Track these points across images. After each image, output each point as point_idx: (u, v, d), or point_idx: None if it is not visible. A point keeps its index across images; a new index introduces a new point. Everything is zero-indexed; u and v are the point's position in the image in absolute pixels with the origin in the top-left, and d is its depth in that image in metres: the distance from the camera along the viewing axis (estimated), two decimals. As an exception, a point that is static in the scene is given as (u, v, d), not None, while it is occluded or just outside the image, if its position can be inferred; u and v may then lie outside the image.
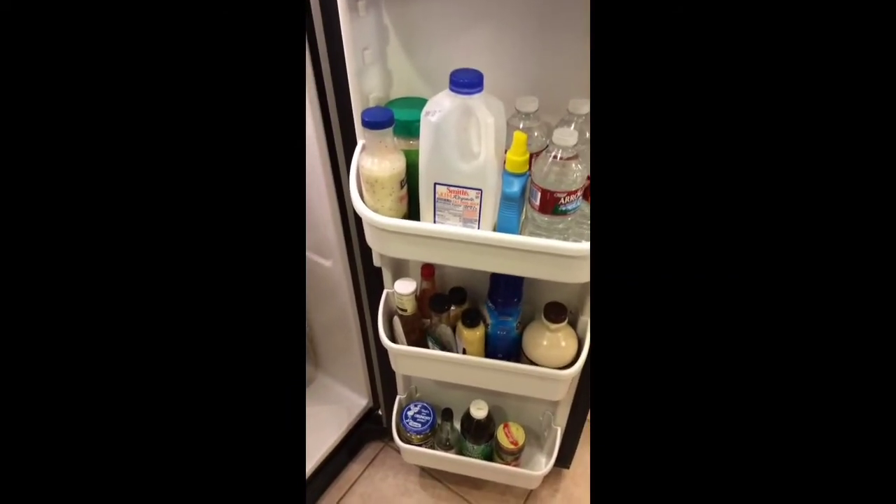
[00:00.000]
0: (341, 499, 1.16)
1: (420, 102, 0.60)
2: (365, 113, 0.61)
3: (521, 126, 0.63)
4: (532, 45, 0.62)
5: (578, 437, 1.05)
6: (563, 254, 0.59)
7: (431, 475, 1.19)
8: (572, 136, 0.56)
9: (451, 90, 0.54)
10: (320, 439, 1.12)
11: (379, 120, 0.60)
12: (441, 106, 0.55)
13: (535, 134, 0.63)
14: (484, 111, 0.55)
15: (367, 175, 0.62)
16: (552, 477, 1.17)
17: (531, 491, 1.16)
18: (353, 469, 1.20)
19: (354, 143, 0.68)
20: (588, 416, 1.02)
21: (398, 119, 0.61)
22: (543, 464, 1.05)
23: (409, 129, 0.63)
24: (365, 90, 0.64)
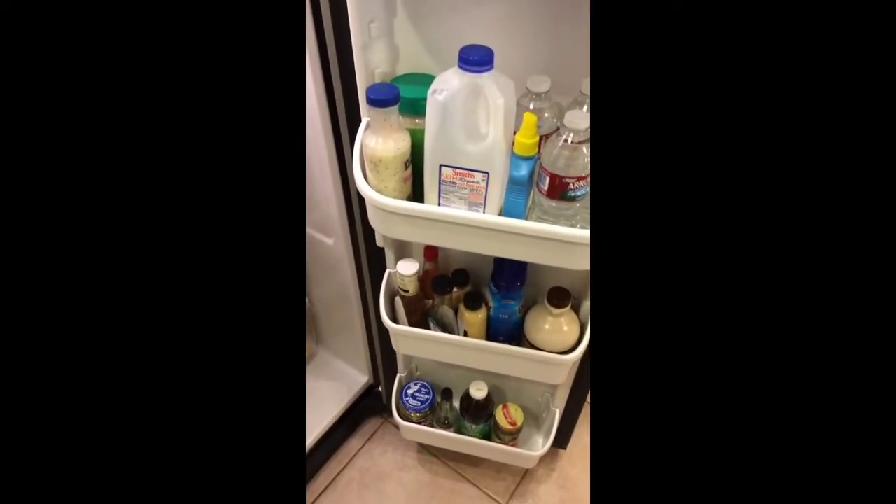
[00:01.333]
0: (340, 472, 1.17)
1: (427, 79, 0.58)
2: (370, 90, 0.59)
3: (531, 107, 0.60)
4: (545, 21, 0.59)
5: (576, 418, 1.06)
6: (571, 241, 0.57)
7: (429, 451, 1.21)
8: (584, 119, 0.54)
9: (460, 68, 0.52)
10: (320, 414, 1.13)
11: (384, 97, 0.58)
12: (449, 84, 0.53)
13: (546, 115, 0.61)
14: (494, 91, 0.52)
15: (370, 154, 0.61)
16: (548, 457, 1.18)
17: (527, 470, 1.17)
18: (353, 444, 1.22)
19: (358, 120, 0.66)
20: (587, 399, 1.03)
21: (404, 97, 0.59)
22: (541, 444, 1.06)
23: (416, 108, 0.61)
24: (370, 65, 0.62)
